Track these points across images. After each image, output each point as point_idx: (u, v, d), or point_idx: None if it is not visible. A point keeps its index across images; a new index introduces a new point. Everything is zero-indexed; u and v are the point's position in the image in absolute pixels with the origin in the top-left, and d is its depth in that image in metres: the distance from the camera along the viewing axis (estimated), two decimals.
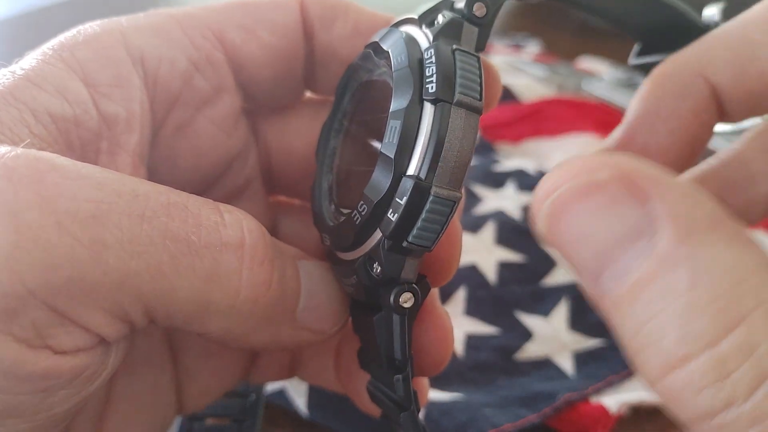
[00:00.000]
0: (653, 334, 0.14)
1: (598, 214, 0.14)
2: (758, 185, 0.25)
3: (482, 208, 0.48)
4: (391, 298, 0.20)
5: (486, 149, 0.55)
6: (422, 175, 0.18)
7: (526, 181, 0.51)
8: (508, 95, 0.61)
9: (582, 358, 0.37)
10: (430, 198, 0.18)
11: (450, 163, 0.18)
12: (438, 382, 0.35)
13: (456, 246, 0.23)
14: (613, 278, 0.14)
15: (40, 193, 0.16)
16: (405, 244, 0.19)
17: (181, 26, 0.23)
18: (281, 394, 0.34)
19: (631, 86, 0.67)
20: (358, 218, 0.19)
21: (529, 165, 0.53)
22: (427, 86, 0.18)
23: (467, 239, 0.45)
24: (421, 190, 0.18)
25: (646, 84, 0.25)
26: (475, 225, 0.46)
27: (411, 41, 0.20)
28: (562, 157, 0.60)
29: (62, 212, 0.16)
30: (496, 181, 0.51)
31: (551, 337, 0.39)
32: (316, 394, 0.34)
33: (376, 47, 0.21)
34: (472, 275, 0.42)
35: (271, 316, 0.20)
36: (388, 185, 0.18)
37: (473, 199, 0.49)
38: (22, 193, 0.16)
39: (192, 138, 0.24)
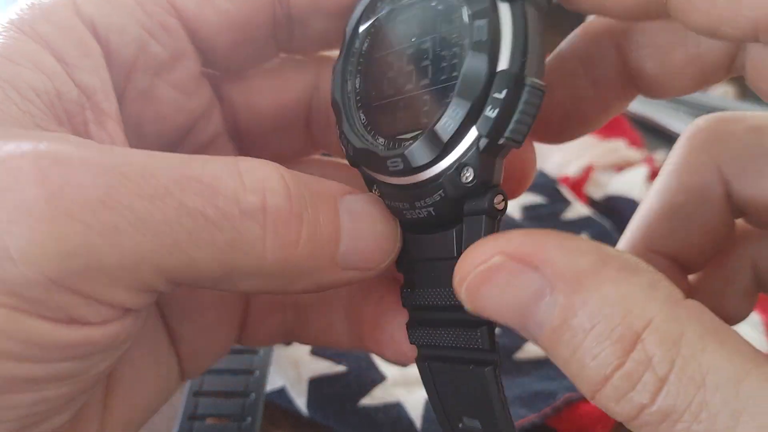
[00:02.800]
0: (576, 366, 0.17)
1: (505, 288, 0.18)
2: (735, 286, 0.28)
3: None
4: (486, 202, 0.20)
5: None
6: (515, 69, 0.19)
7: None
8: None
9: None
10: (526, 89, 0.19)
11: (534, 55, 0.19)
12: None
13: (533, 149, 0.24)
14: (535, 328, 0.18)
15: (47, 188, 0.17)
16: (501, 140, 0.19)
17: None
18: (281, 393, 0.34)
19: None
20: (450, 125, 0.19)
21: None
22: None
23: None
24: (518, 81, 0.19)
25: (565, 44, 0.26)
26: None
27: None
28: (561, 157, 0.60)
29: (71, 202, 0.17)
30: None
31: None
32: (316, 394, 0.34)
33: None
34: None
35: (305, 268, 0.20)
36: (484, 82, 0.19)
37: None
38: (29, 191, 0.16)
39: (154, 103, 0.24)
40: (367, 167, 0.22)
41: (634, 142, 0.62)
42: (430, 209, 0.21)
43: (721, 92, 0.69)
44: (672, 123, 0.62)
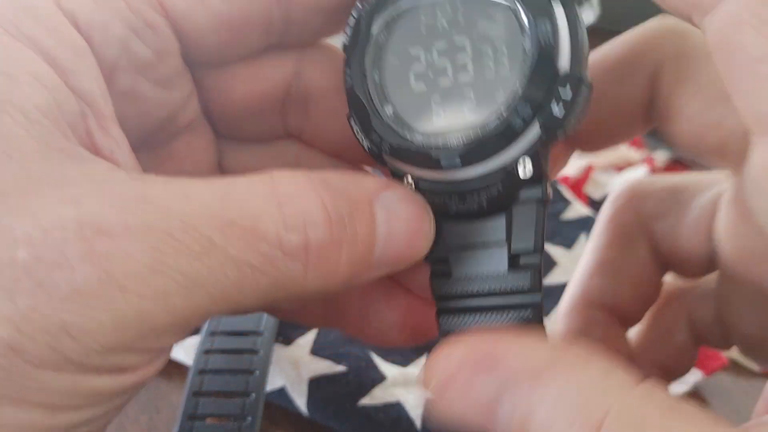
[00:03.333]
0: None
1: (467, 392, 0.19)
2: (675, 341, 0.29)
3: None
4: (541, 192, 0.21)
5: None
6: (576, 69, 0.20)
7: None
8: None
9: None
10: (583, 87, 0.20)
11: (584, 53, 0.21)
12: None
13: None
14: (504, 424, 0.18)
15: (96, 264, 0.16)
16: (559, 133, 0.20)
17: None
18: (281, 393, 0.35)
19: None
20: (518, 124, 0.20)
21: None
22: None
23: None
24: (579, 79, 0.20)
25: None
26: None
27: None
28: None
29: (121, 275, 0.17)
30: None
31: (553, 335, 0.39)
32: (315, 394, 0.34)
33: None
34: None
35: (342, 283, 0.20)
36: (551, 82, 0.20)
37: None
38: (79, 269, 0.16)
39: (136, 102, 0.23)
40: (407, 163, 0.22)
41: (634, 142, 0.62)
42: (483, 201, 0.22)
43: None
44: None
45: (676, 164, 0.57)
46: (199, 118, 0.26)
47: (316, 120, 0.26)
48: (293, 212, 0.19)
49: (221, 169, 0.27)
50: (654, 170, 0.55)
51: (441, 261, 0.23)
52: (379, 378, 0.35)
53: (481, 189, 0.21)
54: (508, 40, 0.21)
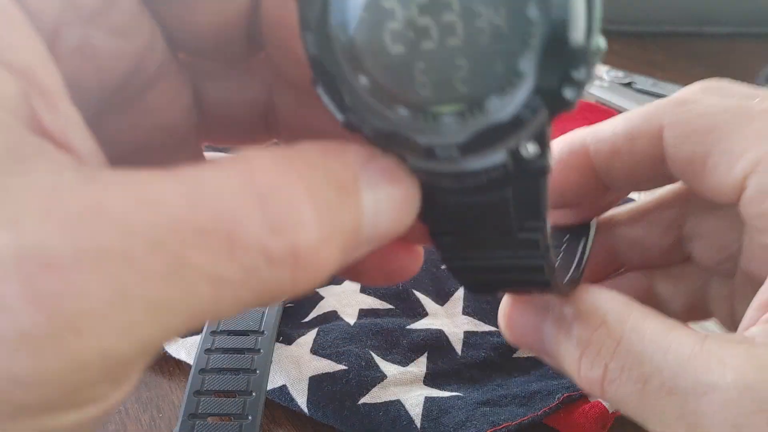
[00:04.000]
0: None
1: (519, 322, 0.25)
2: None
3: None
4: (545, 163, 0.19)
5: None
6: (589, 40, 0.17)
7: None
8: None
9: None
10: (595, 60, 0.17)
11: (599, 15, 0.17)
12: (437, 381, 0.36)
13: None
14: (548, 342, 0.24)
15: (42, 306, 0.14)
16: (567, 111, 0.18)
17: None
18: (282, 391, 0.35)
19: (629, 87, 0.68)
20: (528, 114, 0.18)
21: None
22: None
23: None
24: (595, 52, 0.17)
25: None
26: None
27: None
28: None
29: (74, 316, 0.14)
30: None
31: None
32: (316, 393, 0.34)
33: None
34: None
35: (329, 274, 0.18)
36: (565, 60, 0.17)
37: None
38: (23, 313, 0.14)
39: (90, 57, 0.20)
40: (391, 149, 0.19)
41: None
42: (482, 181, 0.20)
43: None
44: None
45: None
46: (168, 60, 0.23)
47: (278, 44, 0.23)
48: (277, 210, 0.16)
49: (198, 101, 0.25)
50: None
51: (443, 230, 0.22)
52: (379, 377, 0.35)
53: (482, 175, 0.19)
54: (508, 3, 0.17)
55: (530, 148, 0.18)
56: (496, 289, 0.25)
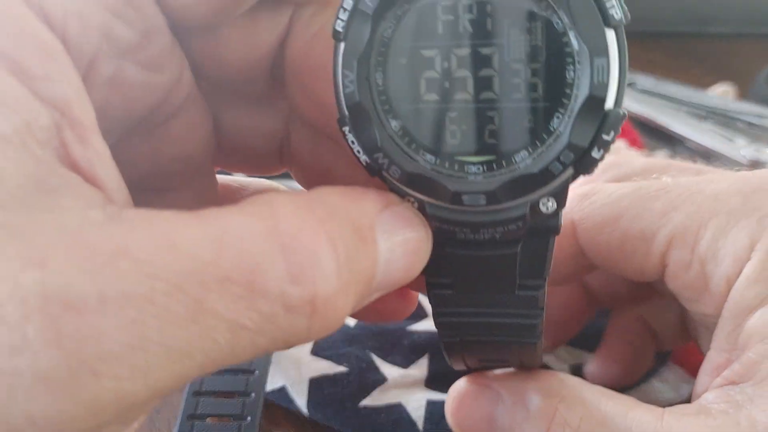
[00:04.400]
0: None
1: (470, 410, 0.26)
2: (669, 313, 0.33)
3: None
4: (558, 223, 0.20)
5: None
6: (618, 105, 0.18)
7: None
8: None
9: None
10: (623, 119, 0.18)
11: (625, 83, 0.18)
12: (439, 384, 0.35)
13: None
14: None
15: (63, 347, 0.14)
16: (591, 171, 0.19)
17: None
18: (281, 393, 0.34)
19: (631, 87, 0.68)
20: (557, 168, 0.18)
21: None
22: (611, 12, 0.18)
23: None
24: (622, 116, 0.18)
25: None
26: None
27: None
28: None
29: (94, 359, 0.14)
30: None
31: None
32: (316, 394, 0.34)
33: None
34: None
35: (343, 321, 0.19)
36: (597, 125, 0.18)
37: None
38: (43, 354, 0.14)
39: (121, 89, 0.20)
40: (419, 193, 0.20)
41: (634, 142, 0.62)
42: (497, 234, 0.20)
43: (721, 92, 0.69)
44: (672, 123, 0.62)
45: None
46: (192, 92, 0.24)
47: (301, 85, 0.24)
48: (299, 260, 0.16)
49: (217, 129, 0.25)
50: None
51: (443, 283, 0.22)
52: (380, 379, 0.35)
53: (500, 226, 0.20)
54: (546, 63, 0.18)
55: (549, 205, 0.19)
56: (476, 354, 0.25)
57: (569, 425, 0.23)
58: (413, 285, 0.23)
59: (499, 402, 0.25)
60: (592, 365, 0.35)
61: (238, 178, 0.28)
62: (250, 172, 0.28)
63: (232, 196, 0.27)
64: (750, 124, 0.61)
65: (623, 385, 0.34)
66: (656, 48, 0.80)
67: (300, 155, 0.26)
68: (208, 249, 0.15)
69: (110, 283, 0.14)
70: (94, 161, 0.17)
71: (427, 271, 0.21)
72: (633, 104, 0.65)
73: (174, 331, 0.15)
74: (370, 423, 0.33)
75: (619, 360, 0.35)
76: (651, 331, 0.34)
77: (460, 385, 0.27)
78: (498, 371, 0.27)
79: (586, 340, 0.39)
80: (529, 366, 0.26)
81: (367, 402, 0.34)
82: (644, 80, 0.69)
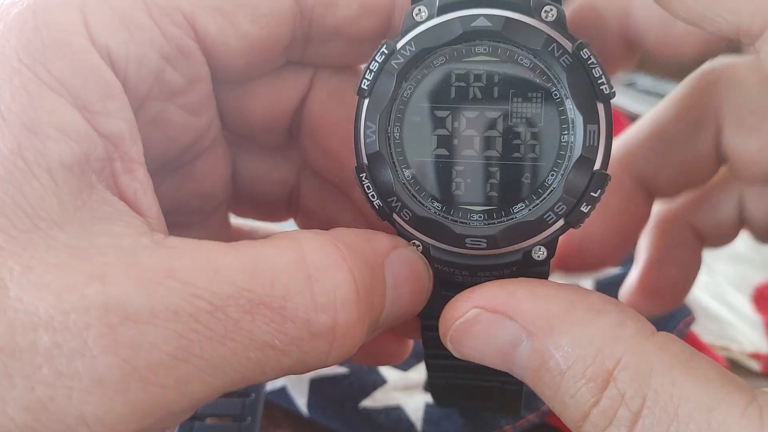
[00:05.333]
0: (559, 404, 0.19)
1: (485, 338, 0.20)
2: (723, 212, 0.31)
3: None
4: (547, 271, 0.22)
5: None
6: (604, 167, 0.21)
7: None
8: None
9: None
10: (607, 183, 0.21)
11: (611, 149, 0.21)
12: None
13: None
14: (519, 370, 0.20)
15: (118, 354, 0.16)
16: (579, 225, 0.21)
17: (147, 9, 0.20)
18: (282, 393, 0.35)
19: (630, 86, 0.68)
20: (551, 218, 0.21)
21: None
22: (601, 88, 0.21)
23: None
24: (607, 176, 0.21)
25: None
26: None
27: (548, 40, 0.21)
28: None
29: (144, 366, 0.16)
30: None
31: None
32: (316, 395, 0.34)
33: (478, 33, 0.21)
34: None
35: (355, 349, 0.20)
36: (587, 183, 0.21)
37: None
38: (101, 359, 0.16)
39: (163, 128, 0.23)
40: (426, 235, 0.22)
41: None
42: (491, 278, 0.22)
43: None
44: None
45: None
46: (218, 136, 0.26)
47: (315, 138, 0.26)
48: (324, 289, 0.18)
49: (233, 175, 0.28)
50: None
51: (437, 325, 0.23)
52: (380, 381, 0.35)
53: (495, 270, 0.22)
54: (544, 127, 0.21)
55: (541, 253, 0.22)
56: (462, 400, 0.26)
57: (629, 407, 0.17)
58: (408, 332, 0.24)
59: (522, 340, 0.19)
60: (631, 283, 0.32)
61: (248, 223, 0.30)
62: (259, 217, 0.30)
63: (243, 238, 0.29)
64: None
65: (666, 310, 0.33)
66: None
67: (307, 204, 0.28)
68: (244, 276, 0.17)
69: (161, 299, 0.16)
70: (138, 192, 0.20)
71: (422, 313, 0.23)
72: (633, 104, 0.65)
73: (213, 347, 0.17)
74: (369, 423, 0.33)
75: (669, 276, 0.32)
76: (699, 239, 0.31)
77: (471, 301, 0.21)
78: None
79: None
80: (509, 412, 0.27)
81: (366, 403, 0.34)
82: (644, 80, 0.68)
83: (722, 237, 0.31)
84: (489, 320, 0.20)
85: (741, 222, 0.31)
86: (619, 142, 0.29)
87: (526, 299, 0.20)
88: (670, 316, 0.38)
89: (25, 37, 0.18)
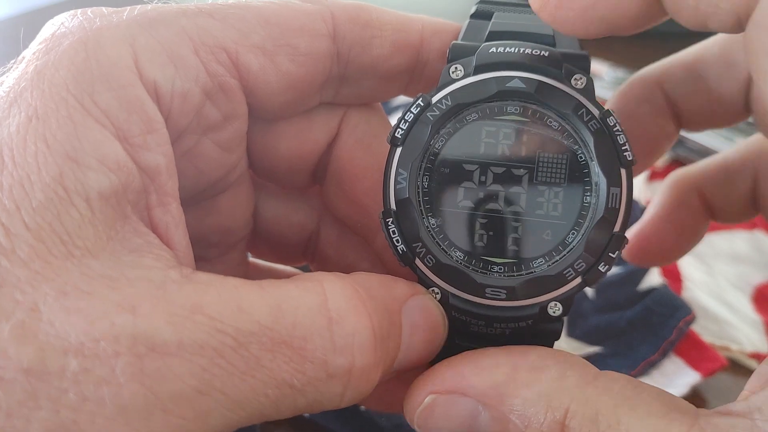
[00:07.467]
0: None
1: (446, 418, 0.21)
2: (737, 187, 0.31)
3: None
4: (561, 327, 0.23)
5: None
6: (623, 231, 0.22)
7: None
8: None
9: None
10: (624, 245, 0.22)
11: (630, 213, 0.22)
12: None
13: None
14: None
15: (144, 384, 0.16)
16: (596, 284, 0.22)
17: (194, 46, 0.21)
18: None
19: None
20: (570, 274, 0.22)
21: None
22: (624, 154, 0.22)
23: None
24: (625, 239, 0.22)
25: (618, 91, 0.29)
26: None
27: (578, 105, 0.22)
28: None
29: (167, 397, 0.16)
30: None
31: None
32: None
33: (511, 93, 0.22)
34: None
35: (369, 392, 0.21)
36: (606, 243, 0.21)
37: None
38: (127, 387, 0.16)
39: (196, 161, 0.23)
40: (447, 283, 0.23)
41: None
42: (506, 330, 0.23)
43: None
44: None
45: (676, 164, 0.57)
46: (244, 174, 0.26)
47: (340, 184, 0.27)
48: (344, 332, 0.19)
49: (256, 213, 0.28)
50: (653, 174, 0.55)
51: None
52: None
53: (511, 322, 0.22)
54: (568, 187, 0.22)
55: (556, 309, 0.22)
56: None
57: None
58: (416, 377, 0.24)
59: (480, 411, 0.21)
60: (634, 234, 0.33)
61: (265, 262, 0.31)
62: (275, 260, 0.31)
63: (260, 275, 0.29)
64: (750, 123, 0.61)
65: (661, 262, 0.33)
66: (656, 48, 0.80)
67: (325, 250, 0.29)
68: (268, 315, 0.18)
69: (188, 333, 0.17)
70: (170, 225, 0.20)
71: (434, 362, 0.23)
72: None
73: (234, 382, 0.17)
74: (370, 426, 0.33)
75: (663, 235, 0.32)
76: (707, 210, 0.32)
77: (428, 387, 0.21)
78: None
79: (590, 334, 0.39)
80: None
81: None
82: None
83: (730, 214, 0.32)
84: (445, 402, 0.21)
85: (752, 204, 0.31)
86: (657, 63, 0.30)
87: (472, 374, 0.21)
88: (671, 314, 0.38)
89: (76, 68, 0.19)
